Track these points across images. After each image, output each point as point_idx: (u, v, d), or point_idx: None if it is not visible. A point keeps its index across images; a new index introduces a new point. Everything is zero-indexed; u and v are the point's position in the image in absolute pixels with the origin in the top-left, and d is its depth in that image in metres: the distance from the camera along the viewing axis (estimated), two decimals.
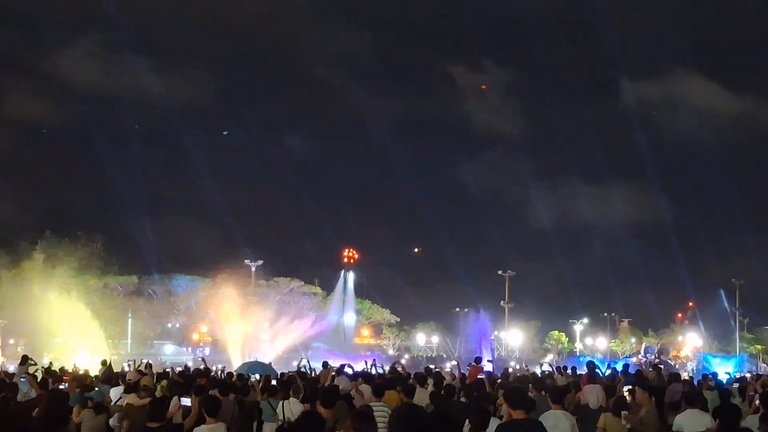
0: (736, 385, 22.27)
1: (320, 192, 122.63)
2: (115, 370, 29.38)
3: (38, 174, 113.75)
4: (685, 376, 38.13)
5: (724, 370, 53.11)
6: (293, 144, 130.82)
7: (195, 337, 79.72)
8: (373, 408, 11.11)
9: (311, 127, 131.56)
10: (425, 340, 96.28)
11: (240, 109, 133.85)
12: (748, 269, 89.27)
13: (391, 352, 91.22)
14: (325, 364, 27.22)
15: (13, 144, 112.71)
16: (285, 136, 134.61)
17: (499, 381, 22.87)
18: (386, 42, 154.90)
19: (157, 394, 19.76)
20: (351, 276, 72.51)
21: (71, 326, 59.58)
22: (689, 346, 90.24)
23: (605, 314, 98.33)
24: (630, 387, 19.36)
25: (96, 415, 15.54)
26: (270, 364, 37.14)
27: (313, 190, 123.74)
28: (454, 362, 39.09)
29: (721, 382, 27.01)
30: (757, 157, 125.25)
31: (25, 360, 28.84)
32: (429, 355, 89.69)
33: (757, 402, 15.65)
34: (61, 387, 20.15)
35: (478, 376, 22.21)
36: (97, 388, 19.94)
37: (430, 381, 19.35)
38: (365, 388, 17.89)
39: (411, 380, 20.25)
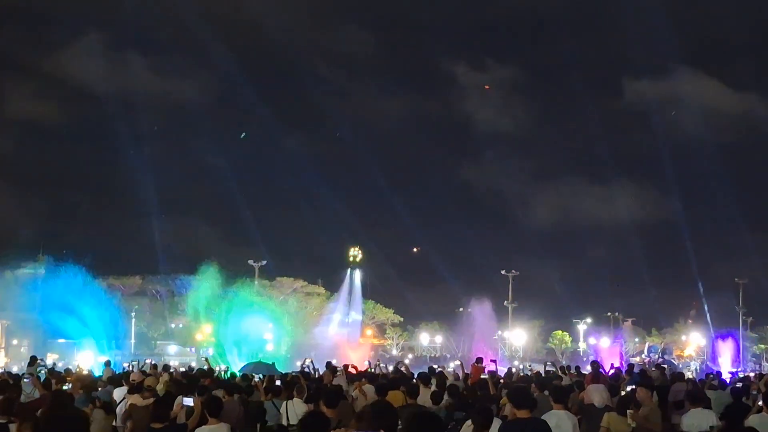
0: (739, 385, 22.23)
1: (322, 192, 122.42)
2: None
3: (40, 174, 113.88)
4: (688, 375, 38.10)
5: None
6: (295, 143, 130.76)
7: (198, 337, 79.79)
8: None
9: (313, 126, 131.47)
10: (429, 339, 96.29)
11: (241, 108, 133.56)
12: (752, 268, 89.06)
13: (394, 352, 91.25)
14: (328, 365, 27.24)
15: (15, 144, 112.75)
16: (286, 136, 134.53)
17: (502, 381, 22.89)
18: (388, 41, 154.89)
19: (159, 388, 19.81)
20: (357, 274, 72.16)
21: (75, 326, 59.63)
22: (692, 346, 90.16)
23: (608, 314, 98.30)
24: (633, 386, 19.37)
25: (107, 415, 15.61)
26: (273, 364, 37.16)
27: (316, 190, 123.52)
28: (458, 362, 39.07)
29: (724, 381, 26.99)
30: (762, 155, 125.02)
31: (34, 361, 28.92)
32: (432, 355, 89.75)
33: (761, 402, 15.65)
34: (65, 388, 20.16)
35: (481, 376, 22.21)
36: (100, 389, 19.99)
37: (434, 381, 19.37)
38: (368, 388, 17.92)
39: (415, 380, 20.27)
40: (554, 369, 29.19)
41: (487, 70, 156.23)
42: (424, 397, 16.08)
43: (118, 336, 67.46)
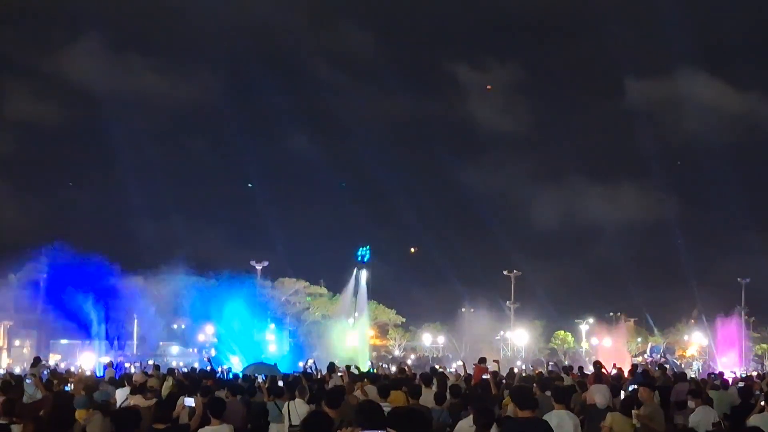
0: (741, 384, 22.25)
1: (324, 192, 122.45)
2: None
3: (41, 174, 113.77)
4: (691, 375, 38.11)
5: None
6: (296, 143, 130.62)
7: (201, 337, 79.82)
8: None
9: (314, 127, 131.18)
10: (431, 340, 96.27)
11: (243, 108, 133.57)
12: (754, 268, 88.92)
13: (396, 352, 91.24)
14: (331, 366, 27.25)
15: (15, 144, 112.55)
16: (287, 136, 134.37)
17: (504, 381, 22.88)
18: (389, 41, 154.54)
19: (164, 392, 19.84)
20: (364, 274, 71.76)
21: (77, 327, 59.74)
22: (695, 346, 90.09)
23: (611, 314, 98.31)
24: (635, 386, 19.36)
25: (104, 417, 15.61)
26: (275, 365, 37.19)
27: (317, 190, 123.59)
28: (460, 362, 39.09)
29: (726, 381, 26.96)
30: (765, 155, 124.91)
31: (37, 362, 28.98)
32: (435, 356, 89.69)
33: (763, 402, 15.67)
34: (66, 389, 20.18)
35: (483, 377, 22.20)
36: (102, 390, 20.00)
37: (436, 381, 19.37)
38: (370, 389, 17.92)
39: (417, 380, 20.27)
40: (557, 369, 29.20)
41: (489, 70, 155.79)
42: (427, 398, 16.06)
43: (120, 337, 67.56)
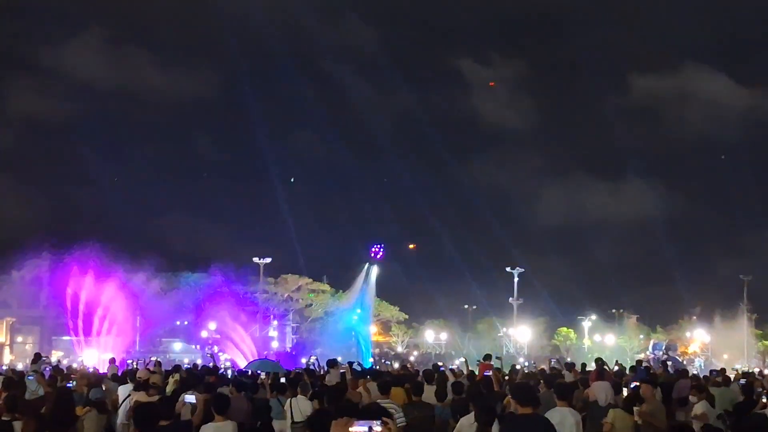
0: (742, 381, 22.22)
1: (327, 188, 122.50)
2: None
3: (42, 170, 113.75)
4: (693, 372, 38.09)
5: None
6: (299, 139, 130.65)
7: (203, 334, 79.91)
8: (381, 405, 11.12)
9: (317, 122, 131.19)
10: (434, 337, 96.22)
11: (245, 103, 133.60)
12: (757, 265, 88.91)
13: (399, 349, 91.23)
14: (333, 362, 27.25)
15: (17, 139, 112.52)
16: (290, 131, 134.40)
17: (507, 378, 22.89)
18: (393, 36, 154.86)
19: (169, 388, 19.87)
20: (375, 270, 71.31)
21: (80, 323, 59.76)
22: (697, 342, 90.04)
23: (613, 310, 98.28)
24: (637, 383, 19.37)
25: (99, 414, 15.61)
26: (278, 362, 37.21)
27: (320, 186, 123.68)
28: (462, 359, 39.06)
29: (728, 378, 26.95)
30: None
31: (38, 358, 28.96)
32: (438, 352, 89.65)
33: (765, 399, 15.67)
34: (69, 385, 20.20)
35: (485, 373, 22.19)
36: (105, 386, 20.03)
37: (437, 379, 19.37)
38: (372, 386, 17.92)
39: (419, 377, 20.28)
40: (559, 366, 29.19)
41: (493, 66, 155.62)
42: (428, 395, 16.07)
43: (123, 333, 67.58)
